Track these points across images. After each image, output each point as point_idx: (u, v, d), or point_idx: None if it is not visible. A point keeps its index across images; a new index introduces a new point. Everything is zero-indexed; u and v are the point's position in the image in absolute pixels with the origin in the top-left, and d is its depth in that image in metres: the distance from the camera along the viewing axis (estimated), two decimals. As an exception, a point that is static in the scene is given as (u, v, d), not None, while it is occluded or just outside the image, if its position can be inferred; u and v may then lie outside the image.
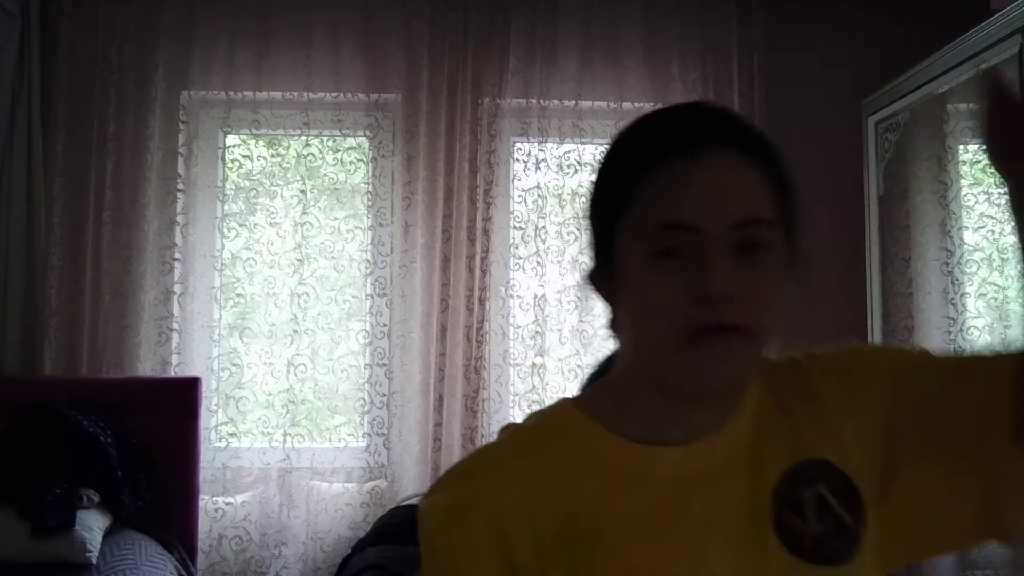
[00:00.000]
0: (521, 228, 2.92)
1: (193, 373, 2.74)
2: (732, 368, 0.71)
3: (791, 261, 0.76)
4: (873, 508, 0.76)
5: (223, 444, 2.81)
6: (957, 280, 2.62)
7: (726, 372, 0.71)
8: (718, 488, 0.75)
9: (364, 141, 2.97)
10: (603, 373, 0.86)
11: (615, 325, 0.80)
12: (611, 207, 0.75)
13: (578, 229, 2.93)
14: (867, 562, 0.76)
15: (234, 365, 2.86)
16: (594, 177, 0.78)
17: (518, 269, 2.90)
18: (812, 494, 0.75)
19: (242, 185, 2.96)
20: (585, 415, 0.80)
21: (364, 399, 2.85)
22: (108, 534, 2.28)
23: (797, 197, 0.78)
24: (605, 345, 3.00)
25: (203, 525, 2.67)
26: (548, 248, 2.91)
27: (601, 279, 0.78)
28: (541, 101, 2.94)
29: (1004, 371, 0.78)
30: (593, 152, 3.00)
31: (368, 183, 2.95)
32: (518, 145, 2.99)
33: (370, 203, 2.93)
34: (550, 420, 0.82)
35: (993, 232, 2.66)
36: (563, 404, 0.83)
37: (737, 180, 0.71)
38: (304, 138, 2.92)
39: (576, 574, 0.73)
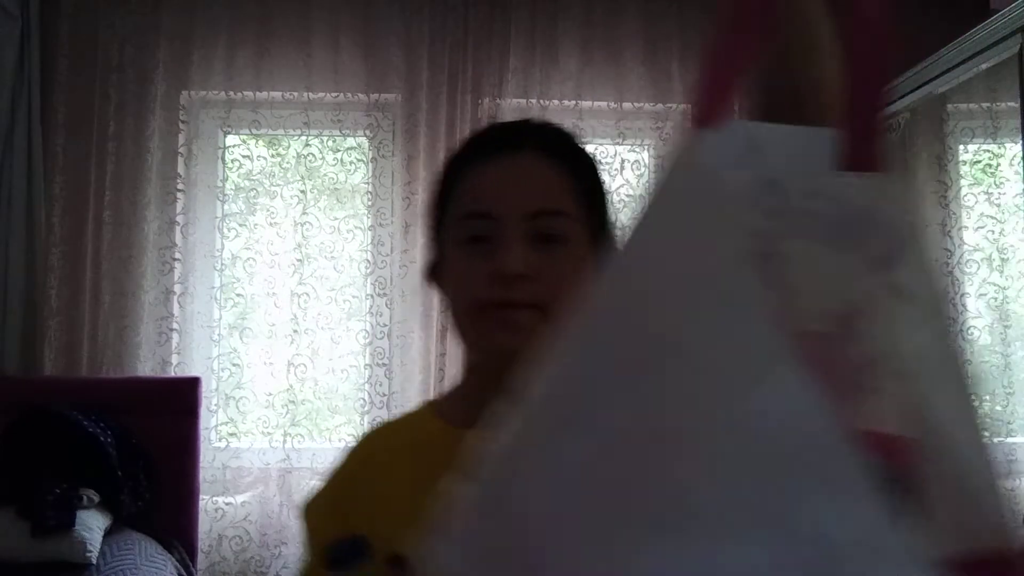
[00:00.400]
0: (521, 228, 2.92)
1: (193, 373, 2.74)
2: (521, 337, 0.73)
3: (595, 251, 0.83)
4: None
5: (223, 444, 2.81)
6: (957, 280, 2.62)
7: (517, 339, 0.75)
8: None
9: (364, 141, 2.97)
10: None
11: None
12: (438, 206, 0.85)
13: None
14: None
15: (234, 365, 2.86)
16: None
17: (518, 269, 2.90)
18: None
19: (242, 185, 2.96)
20: (433, 410, 0.90)
21: (364, 399, 2.85)
22: (108, 534, 2.28)
23: (606, 201, 0.86)
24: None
25: (203, 525, 2.67)
26: (548, 248, 2.91)
27: (435, 273, 0.87)
28: (541, 101, 2.94)
29: None
30: (593, 152, 3.00)
31: (368, 183, 2.95)
32: (518, 145, 2.99)
33: (370, 203, 2.93)
34: (405, 417, 0.94)
35: (993, 232, 2.66)
36: (421, 406, 0.94)
37: (536, 176, 0.80)
38: (304, 138, 2.92)
39: (392, 545, 0.78)
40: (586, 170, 0.85)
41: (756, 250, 0.43)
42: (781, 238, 0.47)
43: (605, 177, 0.89)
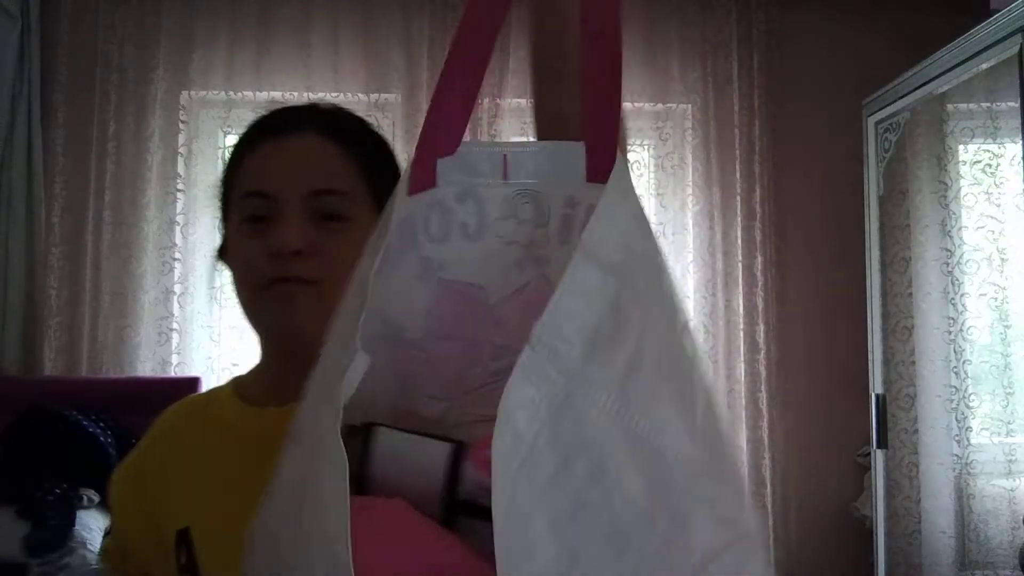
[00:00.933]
0: (521, 228, 2.92)
1: (193, 373, 2.74)
2: (301, 315, 0.77)
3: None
4: None
5: (223, 444, 2.81)
6: (957, 280, 2.62)
7: (296, 319, 0.78)
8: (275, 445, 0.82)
9: (364, 141, 2.96)
10: None
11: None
12: (224, 187, 0.85)
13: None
14: None
15: (234, 365, 2.85)
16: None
17: (518, 269, 2.90)
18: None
19: (242, 185, 2.96)
20: (233, 389, 0.89)
21: (364, 399, 2.85)
22: (108, 534, 2.28)
23: (390, 181, 0.80)
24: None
25: (203, 525, 2.67)
26: (548, 248, 2.90)
27: (224, 251, 0.88)
28: (541, 101, 2.94)
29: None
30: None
31: (368, 183, 2.95)
32: (518, 145, 2.99)
33: (370, 203, 2.93)
34: (209, 392, 0.95)
35: (993, 232, 2.66)
36: (229, 381, 0.93)
37: (314, 156, 0.79)
38: (304, 138, 2.91)
39: (179, 519, 0.81)
40: (373, 150, 0.84)
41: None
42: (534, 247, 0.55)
43: (394, 157, 0.87)
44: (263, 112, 0.87)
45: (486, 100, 2.93)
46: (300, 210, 0.77)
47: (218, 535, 0.76)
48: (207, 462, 0.84)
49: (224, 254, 0.88)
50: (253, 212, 0.80)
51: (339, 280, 0.73)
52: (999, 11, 2.21)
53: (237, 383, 0.91)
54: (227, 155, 0.88)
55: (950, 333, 2.62)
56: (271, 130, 0.82)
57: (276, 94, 2.90)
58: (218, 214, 0.89)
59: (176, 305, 2.81)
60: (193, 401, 0.96)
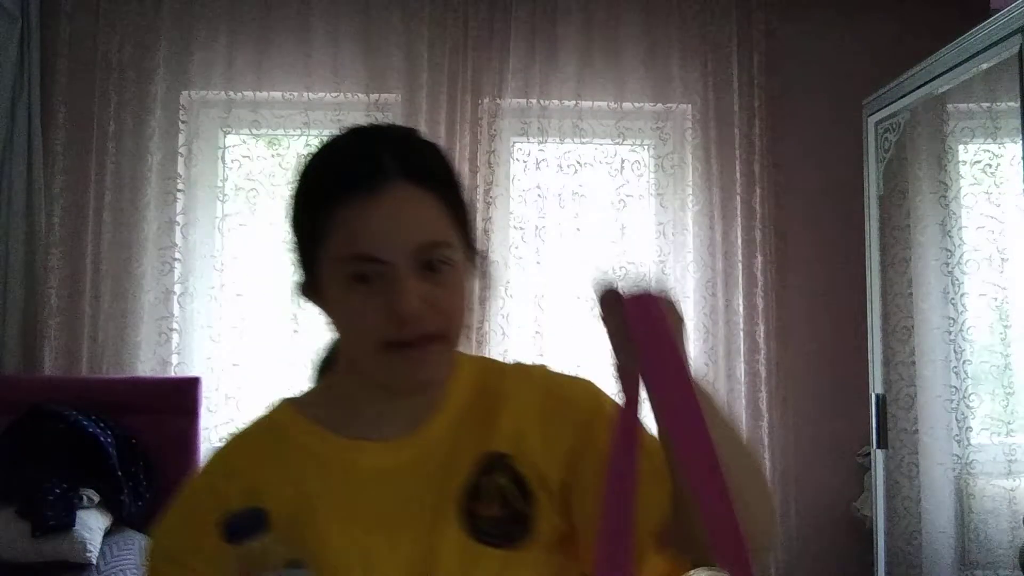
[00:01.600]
0: (521, 228, 2.92)
1: (193, 373, 2.74)
2: (430, 369, 0.84)
3: (470, 264, 0.88)
4: (552, 507, 0.86)
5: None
6: (957, 280, 2.62)
7: (425, 374, 0.84)
8: (412, 478, 0.86)
9: (364, 141, 2.96)
10: (330, 358, 0.98)
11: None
12: (309, 233, 0.84)
13: (578, 229, 2.93)
14: (543, 550, 0.85)
15: (234, 365, 2.85)
16: (291, 194, 0.87)
17: (518, 269, 2.90)
18: (490, 482, 0.86)
19: (242, 185, 2.96)
20: (299, 412, 0.91)
21: (364, 399, 2.85)
22: (108, 534, 2.28)
23: (470, 211, 0.88)
24: (605, 344, 2.99)
25: (203, 525, 2.66)
26: (548, 248, 2.91)
27: (309, 290, 0.88)
28: (541, 101, 2.94)
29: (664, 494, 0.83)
30: (593, 152, 3.00)
31: (368, 183, 2.95)
32: (518, 145, 2.99)
33: (370, 203, 2.93)
34: (264, 420, 0.93)
35: (993, 232, 2.66)
36: (280, 404, 0.94)
37: (413, 210, 0.80)
38: (304, 138, 2.92)
39: (289, 550, 0.81)
40: (451, 185, 0.86)
41: None
42: None
43: (459, 177, 0.89)
44: (334, 140, 0.87)
45: (486, 100, 2.93)
46: (411, 269, 0.79)
47: (340, 568, 0.82)
48: (311, 496, 0.85)
49: (309, 292, 0.88)
50: (361, 273, 0.80)
51: (454, 325, 0.83)
52: (999, 11, 2.21)
53: (301, 407, 0.92)
54: (300, 185, 0.86)
55: (950, 333, 2.62)
56: (359, 180, 0.80)
57: (276, 94, 2.90)
58: (294, 248, 0.87)
59: (176, 305, 2.81)
60: (254, 435, 0.92)
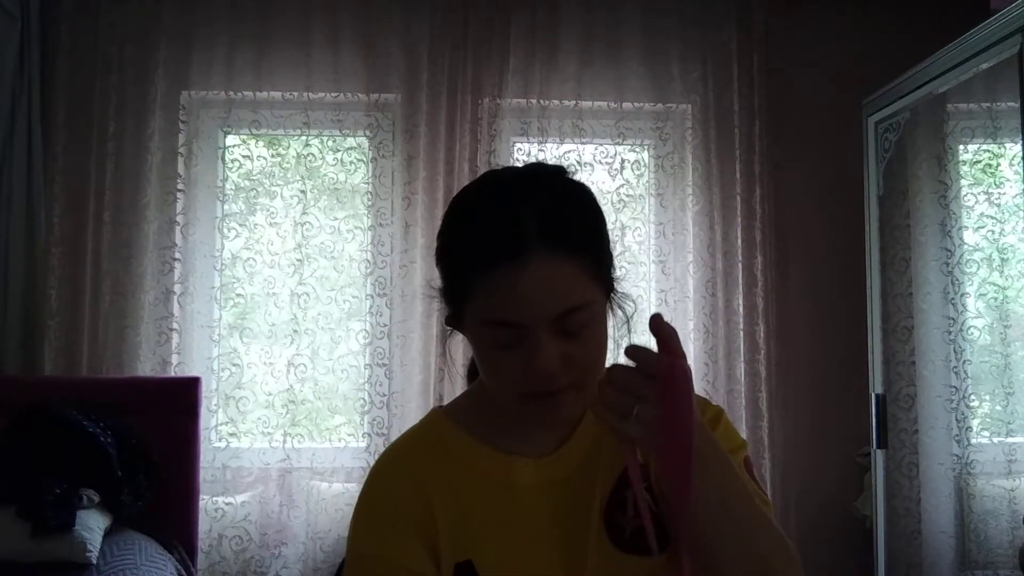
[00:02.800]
0: (521, 228, 2.92)
1: (193, 373, 2.74)
2: (564, 413, 0.90)
3: (610, 308, 0.93)
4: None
5: (223, 444, 2.81)
6: (957, 280, 2.62)
7: (559, 417, 0.91)
8: (561, 493, 0.94)
9: (364, 141, 2.97)
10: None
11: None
12: (454, 287, 0.91)
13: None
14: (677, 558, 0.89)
15: (234, 365, 2.86)
16: (439, 242, 0.95)
17: (518, 269, 2.89)
18: (631, 493, 0.91)
19: (242, 185, 2.96)
20: (455, 425, 0.99)
21: (364, 399, 2.85)
22: (108, 534, 2.28)
23: (606, 245, 0.93)
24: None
25: (203, 525, 2.67)
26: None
27: (455, 321, 0.94)
28: (541, 101, 2.94)
29: None
30: (593, 152, 3.00)
31: (368, 183, 2.95)
32: (518, 145, 2.99)
33: (370, 203, 2.93)
34: (428, 430, 1.01)
35: (993, 232, 2.66)
36: (435, 415, 1.02)
37: (552, 280, 0.84)
38: (304, 138, 2.92)
39: (457, 553, 0.92)
40: (592, 240, 0.89)
41: None
42: None
43: (598, 211, 0.92)
44: (477, 203, 0.91)
45: (486, 100, 2.93)
46: (550, 333, 0.85)
47: (510, 569, 0.91)
48: (471, 502, 0.94)
49: (454, 323, 0.94)
50: (502, 339, 0.86)
51: (590, 375, 0.88)
52: (999, 11, 2.21)
53: (454, 418, 1.00)
54: (443, 236, 0.95)
55: (950, 333, 2.62)
56: (504, 253, 0.84)
57: (276, 94, 2.90)
58: (443, 286, 0.94)
59: (176, 305, 2.81)
60: (413, 443, 1.01)
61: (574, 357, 0.86)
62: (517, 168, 0.95)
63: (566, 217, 0.87)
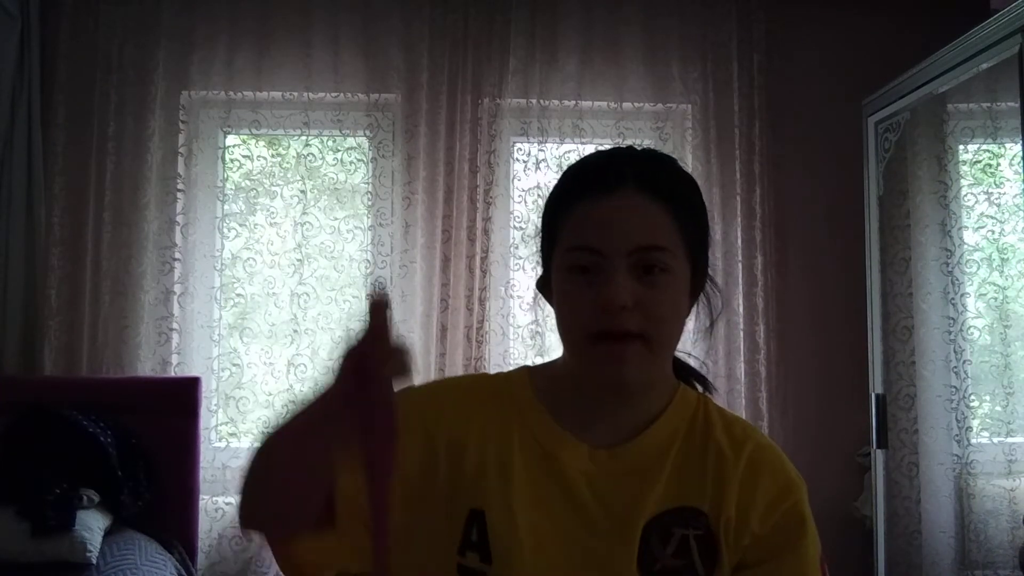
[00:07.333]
0: (521, 228, 2.92)
1: (193, 373, 2.74)
2: (630, 368, 0.87)
3: (697, 284, 0.93)
4: (727, 573, 0.89)
5: (223, 444, 2.81)
6: (957, 280, 2.62)
7: (624, 371, 0.87)
8: (606, 491, 0.90)
9: (364, 141, 2.97)
10: None
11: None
12: (549, 231, 0.93)
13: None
14: None
15: (234, 365, 2.85)
16: (545, 200, 0.96)
17: (518, 269, 2.90)
18: (680, 533, 0.88)
19: (242, 185, 2.96)
20: (532, 385, 0.97)
21: (364, 399, 2.85)
22: (108, 534, 2.28)
23: (705, 232, 0.94)
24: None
25: (203, 525, 2.67)
26: (548, 248, 2.90)
27: (545, 287, 0.95)
28: (541, 101, 2.94)
29: None
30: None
31: (368, 183, 2.95)
32: (518, 145, 2.99)
33: (370, 203, 2.93)
34: (507, 384, 0.99)
35: (993, 232, 2.66)
36: (521, 374, 1.00)
37: (638, 213, 0.87)
38: (304, 138, 2.92)
39: (476, 499, 0.90)
40: (687, 203, 0.91)
41: None
42: None
43: (703, 204, 0.95)
44: (586, 156, 0.96)
45: (486, 100, 2.93)
46: (625, 266, 0.85)
47: (525, 545, 0.88)
48: (513, 463, 0.92)
49: (544, 288, 0.96)
50: (580, 262, 0.87)
51: (661, 330, 0.87)
52: (999, 11, 2.21)
53: (539, 385, 0.97)
54: (549, 192, 0.96)
55: (950, 333, 2.62)
56: (597, 183, 0.88)
57: (276, 94, 2.90)
58: (539, 249, 0.97)
59: (176, 305, 2.81)
60: (491, 384, 1.00)
61: (647, 304, 0.85)
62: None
63: (662, 172, 0.91)
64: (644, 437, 0.92)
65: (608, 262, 0.85)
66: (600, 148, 1.02)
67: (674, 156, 0.98)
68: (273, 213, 2.93)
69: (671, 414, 0.94)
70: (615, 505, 0.89)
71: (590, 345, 0.86)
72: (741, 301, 2.92)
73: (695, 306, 0.95)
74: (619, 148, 0.95)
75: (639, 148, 0.96)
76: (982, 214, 2.69)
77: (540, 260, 0.97)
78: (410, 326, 2.84)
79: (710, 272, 0.95)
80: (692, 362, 1.02)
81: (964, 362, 2.61)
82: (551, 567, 0.88)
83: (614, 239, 0.85)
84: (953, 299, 2.62)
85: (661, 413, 0.93)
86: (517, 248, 2.91)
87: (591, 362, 0.88)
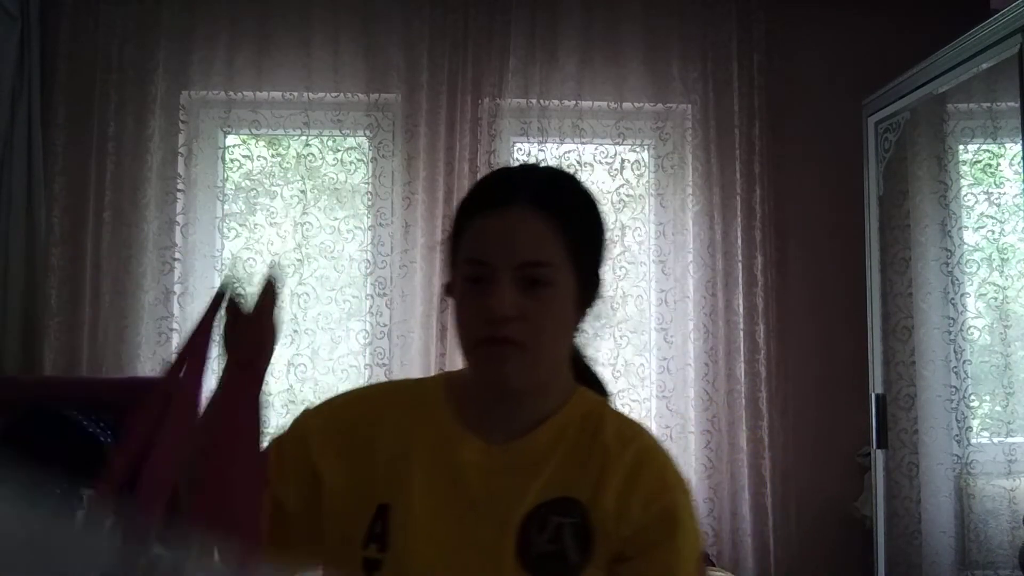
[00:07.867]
0: (521, 228, 2.92)
1: (193, 373, 2.73)
2: (509, 368, 0.93)
3: (588, 296, 0.99)
4: (603, 566, 0.93)
5: (223, 444, 2.81)
6: (957, 280, 2.62)
7: (504, 371, 0.94)
8: (495, 482, 0.97)
9: (364, 141, 2.97)
10: None
11: None
12: (454, 241, 0.99)
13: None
14: None
15: (234, 365, 2.85)
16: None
17: (518, 269, 2.90)
18: (556, 521, 0.94)
19: (242, 185, 2.96)
20: (443, 393, 1.04)
21: (364, 399, 2.85)
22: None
23: (595, 246, 1.01)
24: (602, 345, 3.01)
25: (203, 525, 2.66)
26: (548, 248, 2.90)
27: (449, 290, 1.00)
28: (541, 101, 2.94)
29: None
30: (593, 152, 3.00)
31: (368, 183, 2.95)
32: (518, 145, 2.99)
33: (370, 203, 2.93)
34: (420, 387, 1.09)
35: (993, 232, 2.66)
36: (436, 379, 1.10)
37: (526, 229, 0.93)
38: (304, 138, 2.92)
39: (385, 494, 0.98)
40: (577, 220, 0.97)
41: None
42: None
43: (600, 220, 1.01)
44: (492, 171, 1.06)
45: (486, 100, 2.93)
46: (511, 278, 0.91)
47: (418, 532, 0.95)
48: (415, 457, 0.99)
49: (449, 292, 1.01)
50: (473, 275, 0.94)
51: (540, 339, 0.94)
52: (999, 11, 2.21)
53: (450, 388, 1.05)
54: (456, 209, 1.02)
55: (950, 333, 2.62)
56: (494, 198, 0.96)
57: (276, 94, 2.90)
58: (447, 259, 1.03)
59: (176, 305, 2.81)
60: (405, 389, 1.10)
61: (529, 315, 0.91)
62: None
63: (555, 189, 0.98)
64: (535, 434, 0.99)
65: (496, 274, 0.91)
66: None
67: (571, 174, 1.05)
68: (273, 213, 2.93)
69: (563, 414, 1.00)
70: (501, 495, 0.95)
71: (476, 349, 0.94)
72: (741, 301, 2.92)
73: (585, 316, 1.01)
74: (524, 165, 1.06)
75: (542, 166, 1.08)
76: (982, 214, 2.69)
77: (447, 266, 1.03)
78: (410, 326, 2.84)
79: (600, 284, 1.01)
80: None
81: (964, 362, 2.61)
82: (440, 553, 0.94)
83: (501, 253, 0.92)
84: (953, 299, 2.62)
85: (554, 413, 1.00)
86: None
87: (476, 363, 0.96)
